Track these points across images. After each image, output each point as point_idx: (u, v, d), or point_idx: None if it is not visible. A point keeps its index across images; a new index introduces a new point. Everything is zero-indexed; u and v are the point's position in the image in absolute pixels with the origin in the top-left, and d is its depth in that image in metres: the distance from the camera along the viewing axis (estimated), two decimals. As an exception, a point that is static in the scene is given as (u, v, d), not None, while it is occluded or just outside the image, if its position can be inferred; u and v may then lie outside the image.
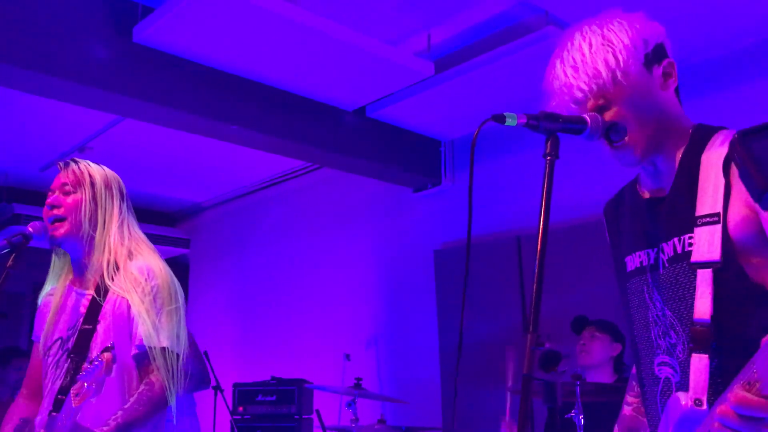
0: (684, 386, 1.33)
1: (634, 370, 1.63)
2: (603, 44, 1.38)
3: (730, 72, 3.86)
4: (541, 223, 1.27)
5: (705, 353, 1.28)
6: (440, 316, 4.90)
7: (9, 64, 3.27)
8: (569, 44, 1.42)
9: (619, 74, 1.36)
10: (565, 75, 1.41)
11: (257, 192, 6.70)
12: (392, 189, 5.44)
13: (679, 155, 1.40)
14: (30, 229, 2.09)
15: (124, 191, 2.29)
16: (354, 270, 5.71)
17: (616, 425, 1.67)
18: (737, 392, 1.01)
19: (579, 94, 1.39)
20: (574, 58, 1.39)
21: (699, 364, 1.28)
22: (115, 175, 2.29)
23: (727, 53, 3.85)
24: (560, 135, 1.35)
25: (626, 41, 1.38)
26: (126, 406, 1.97)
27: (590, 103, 1.39)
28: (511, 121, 1.35)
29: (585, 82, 1.38)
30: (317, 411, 4.50)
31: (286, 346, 6.06)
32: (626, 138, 1.38)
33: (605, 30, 1.39)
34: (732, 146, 0.99)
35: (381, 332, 5.43)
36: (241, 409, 5.12)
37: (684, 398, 1.29)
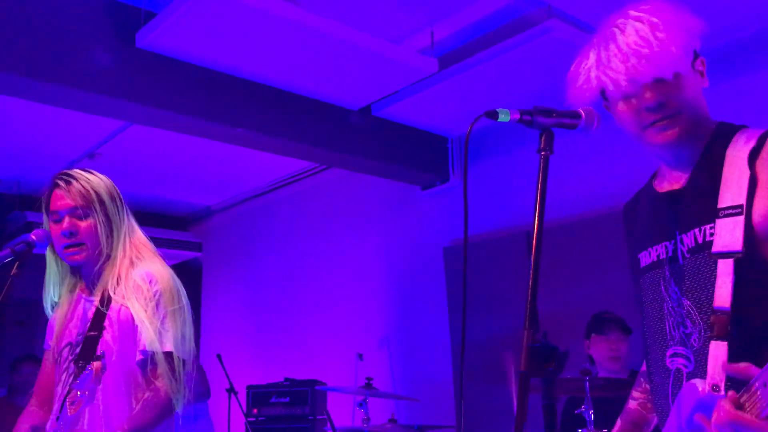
0: (697, 375, 1.34)
1: (643, 367, 1.67)
2: (664, 41, 1.36)
3: (727, 64, 3.81)
4: (536, 218, 1.26)
5: (724, 340, 1.29)
6: (451, 313, 4.89)
7: (13, 74, 3.29)
8: (624, 32, 1.39)
9: (680, 75, 1.39)
10: (621, 66, 1.37)
11: (267, 194, 6.71)
12: (400, 187, 5.43)
13: (700, 150, 1.43)
14: (33, 236, 2.09)
15: (121, 196, 2.26)
16: (364, 269, 5.71)
17: (620, 418, 1.70)
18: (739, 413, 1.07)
19: (630, 86, 1.39)
20: (636, 49, 1.36)
21: (717, 350, 1.29)
22: (112, 182, 2.26)
23: (723, 45, 3.81)
24: (557, 130, 1.36)
25: (684, 40, 1.37)
26: (132, 414, 1.96)
27: (649, 96, 1.39)
28: (504, 116, 1.35)
29: (643, 76, 1.37)
30: (327, 413, 4.50)
31: (298, 347, 6.07)
32: (676, 118, 1.39)
33: (662, 25, 1.37)
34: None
35: (393, 331, 5.43)
36: (255, 411, 5.13)
37: (701, 384, 1.30)
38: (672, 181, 1.48)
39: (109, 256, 2.15)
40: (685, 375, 1.38)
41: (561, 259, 4.05)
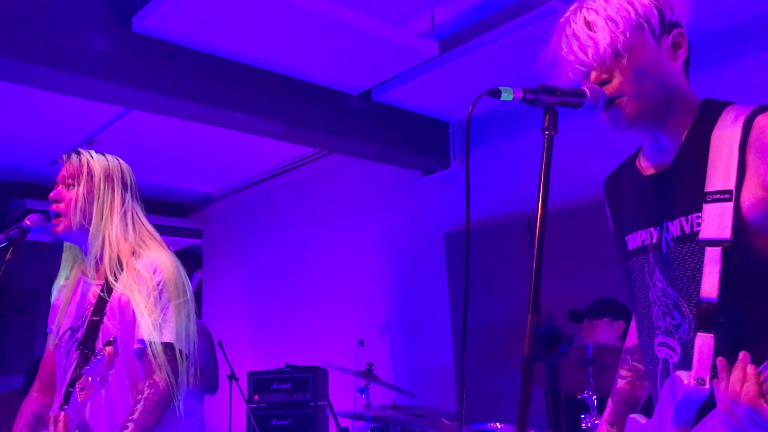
0: (683, 366, 1.31)
1: (627, 343, 1.65)
2: (606, 19, 1.35)
3: (737, 43, 3.76)
4: (540, 200, 1.21)
5: (710, 333, 1.25)
6: (452, 299, 4.87)
7: (9, 59, 3.24)
8: (573, 19, 1.41)
9: (620, 48, 1.34)
10: (570, 51, 1.40)
11: (268, 180, 6.68)
12: (401, 173, 5.39)
13: (684, 130, 1.37)
14: (27, 222, 2.07)
15: (130, 181, 2.23)
16: (366, 255, 5.68)
17: (610, 399, 1.65)
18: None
19: (582, 69, 1.39)
20: (576, 34, 1.38)
21: (703, 343, 1.26)
22: (121, 164, 2.24)
23: (733, 24, 3.75)
24: (562, 109, 1.32)
25: (631, 14, 1.35)
26: (135, 417, 1.91)
27: (593, 76, 1.38)
28: (507, 95, 1.31)
29: (586, 57, 1.37)
30: (328, 399, 4.49)
31: (299, 334, 6.06)
32: (620, 101, 1.35)
33: (609, 6, 1.37)
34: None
35: (394, 317, 5.41)
36: (256, 397, 5.12)
37: (686, 377, 1.27)
38: (656, 163, 1.43)
39: (89, 232, 2.11)
40: (671, 365, 1.35)
41: (564, 245, 4.02)
